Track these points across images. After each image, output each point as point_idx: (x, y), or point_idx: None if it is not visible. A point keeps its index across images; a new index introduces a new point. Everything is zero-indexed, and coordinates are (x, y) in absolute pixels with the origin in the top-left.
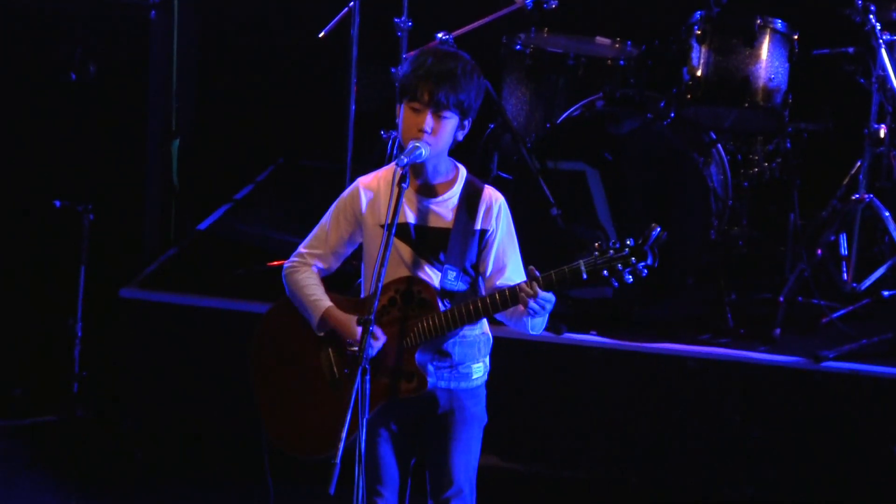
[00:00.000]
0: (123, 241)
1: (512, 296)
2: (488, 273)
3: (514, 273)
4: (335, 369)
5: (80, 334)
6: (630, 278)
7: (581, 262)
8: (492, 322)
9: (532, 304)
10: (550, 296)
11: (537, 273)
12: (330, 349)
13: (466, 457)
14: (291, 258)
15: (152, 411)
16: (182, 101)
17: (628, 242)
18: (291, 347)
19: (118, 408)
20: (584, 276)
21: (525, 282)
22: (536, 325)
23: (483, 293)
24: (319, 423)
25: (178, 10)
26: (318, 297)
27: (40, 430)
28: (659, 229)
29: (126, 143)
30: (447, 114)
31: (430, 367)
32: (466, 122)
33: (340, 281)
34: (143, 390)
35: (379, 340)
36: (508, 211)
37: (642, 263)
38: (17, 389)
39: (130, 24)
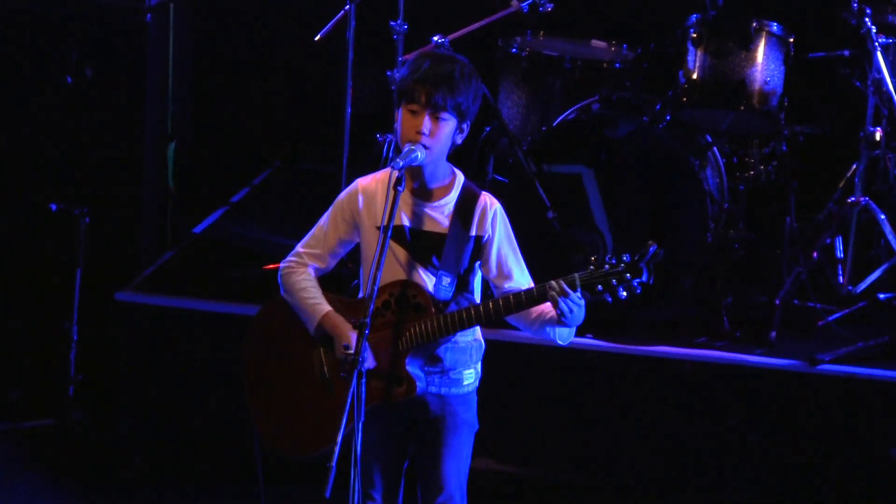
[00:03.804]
0: (119, 244)
1: (540, 294)
2: (493, 279)
3: (520, 277)
4: (326, 369)
5: (76, 337)
6: (624, 294)
7: (576, 275)
8: (490, 327)
9: (562, 304)
10: (580, 299)
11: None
12: (321, 349)
13: (457, 463)
14: (288, 258)
15: (148, 414)
16: (178, 105)
17: (624, 258)
18: (282, 347)
19: (114, 411)
20: (579, 290)
21: (548, 283)
22: (562, 335)
23: (481, 300)
24: (309, 424)
25: (173, 14)
26: (318, 301)
27: (36, 434)
28: (655, 247)
29: (122, 147)
30: (445, 116)
31: (421, 372)
32: (465, 126)
33: (334, 283)
34: (139, 393)
35: (368, 360)
36: (505, 217)
37: (637, 280)
38: (14, 392)
39: (127, 27)
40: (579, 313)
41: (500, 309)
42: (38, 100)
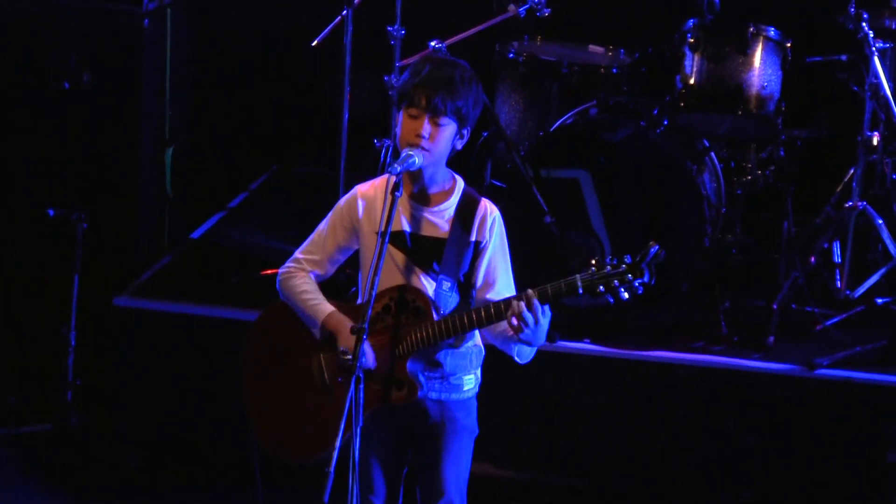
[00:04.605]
0: (117, 249)
1: (505, 308)
2: (478, 286)
3: (503, 288)
4: (325, 375)
5: (73, 343)
6: (626, 295)
7: (577, 276)
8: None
9: (515, 321)
10: (546, 311)
11: (529, 291)
12: (321, 354)
13: (457, 468)
14: (287, 263)
15: (146, 419)
16: (175, 110)
17: (626, 259)
18: (282, 352)
19: (112, 416)
20: (581, 291)
21: (513, 297)
22: (523, 353)
23: (474, 306)
24: (309, 428)
25: (171, 19)
26: (319, 301)
27: (34, 439)
28: (657, 247)
29: (120, 152)
30: (444, 120)
31: (422, 377)
32: (465, 131)
33: (332, 290)
34: (136, 398)
35: (371, 357)
36: (503, 226)
37: (638, 280)
38: (12, 398)
39: (124, 32)
40: (541, 331)
41: (502, 312)
42: (35, 105)
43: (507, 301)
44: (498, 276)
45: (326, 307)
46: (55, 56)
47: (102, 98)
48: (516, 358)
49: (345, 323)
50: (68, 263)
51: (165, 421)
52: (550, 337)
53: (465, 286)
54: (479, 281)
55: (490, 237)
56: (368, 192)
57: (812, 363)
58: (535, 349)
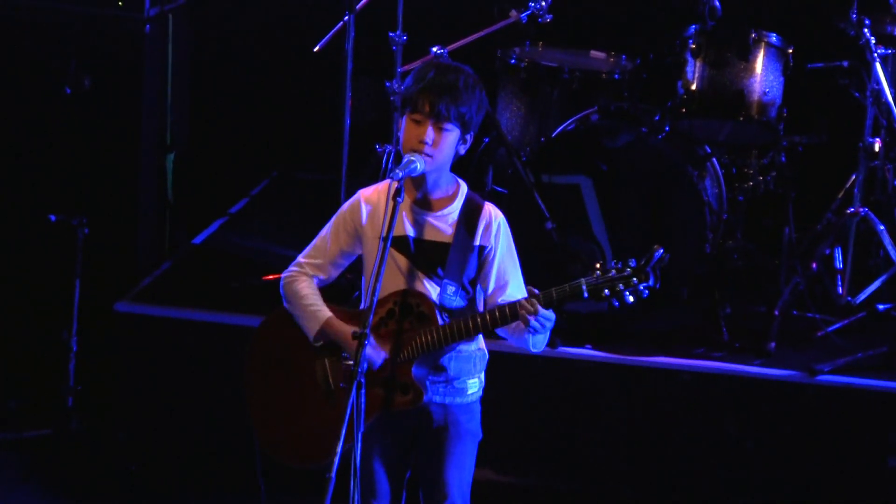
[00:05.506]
0: (118, 254)
1: (512, 312)
2: (490, 290)
3: (515, 290)
4: (330, 380)
5: (74, 348)
6: (631, 299)
7: (583, 280)
8: (490, 337)
9: (532, 321)
10: (550, 314)
11: (536, 291)
12: (325, 360)
13: (460, 472)
14: (290, 267)
15: (147, 424)
16: (176, 115)
17: (630, 263)
18: (286, 357)
19: (113, 421)
20: (586, 295)
21: (525, 298)
22: (538, 343)
23: (482, 309)
24: (313, 433)
25: (172, 24)
26: (318, 308)
27: (35, 444)
28: (662, 251)
29: (120, 157)
30: (448, 126)
31: (426, 381)
32: (468, 136)
33: (334, 294)
34: (137, 403)
35: (380, 355)
36: (508, 228)
37: (644, 284)
38: (13, 402)
39: (125, 37)
40: (550, 322)
41: (507, 316)
42: (36, 110)
43: (513, 305)
44: (509, 278)
45: (325, 312)
46: (56, 61)
47: (103, 103)
48: (531, 349)
49: (345, 329)
50: (69, 268)
51: (166, 426)
52: (552, 342)
53: (473, 290)
54: (491, 285)
55: (497, 242)
56: (372, 197)
57: (813, 369)
58: (546, 337)
